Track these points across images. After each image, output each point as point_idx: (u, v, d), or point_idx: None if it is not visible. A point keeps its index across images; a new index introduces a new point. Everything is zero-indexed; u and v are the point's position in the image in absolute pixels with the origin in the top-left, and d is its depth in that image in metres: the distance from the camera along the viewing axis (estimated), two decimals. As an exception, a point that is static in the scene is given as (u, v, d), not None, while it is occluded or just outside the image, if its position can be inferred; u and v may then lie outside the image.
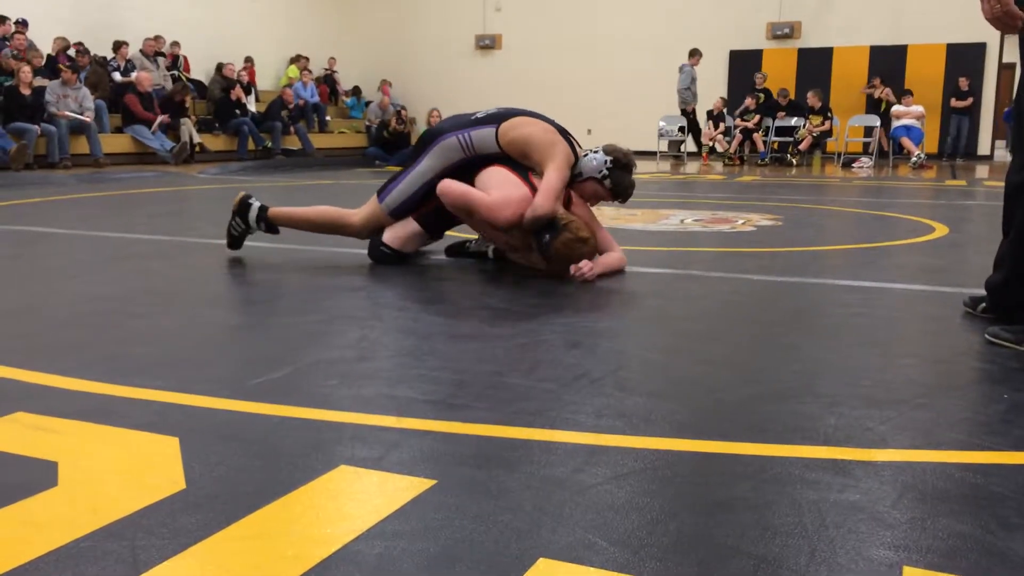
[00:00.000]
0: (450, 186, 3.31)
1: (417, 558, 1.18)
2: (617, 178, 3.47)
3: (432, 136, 3.56)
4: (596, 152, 3.51)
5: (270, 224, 3.71)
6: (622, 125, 16.04)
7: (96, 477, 1.45)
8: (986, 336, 2.40)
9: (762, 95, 14.13)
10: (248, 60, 15.11)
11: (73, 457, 1.53)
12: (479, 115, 3.54)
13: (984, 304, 2.67)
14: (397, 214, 3.57)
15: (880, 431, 1.70)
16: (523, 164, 3.44)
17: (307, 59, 15.74)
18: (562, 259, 3.23)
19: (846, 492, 1.41)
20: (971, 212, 6.55)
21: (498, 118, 3.48)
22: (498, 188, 3.30)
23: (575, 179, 3.48)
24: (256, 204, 3.72)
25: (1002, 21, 2.23)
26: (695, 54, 13.82)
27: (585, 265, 3.24)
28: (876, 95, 14.00)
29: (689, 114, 13.89)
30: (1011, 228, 2.49)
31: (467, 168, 3.48)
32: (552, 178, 3.29)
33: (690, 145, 14.57)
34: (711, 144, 13.92)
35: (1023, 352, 2.28)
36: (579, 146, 3.54)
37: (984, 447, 1.63)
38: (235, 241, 3.78)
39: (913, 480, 1.47)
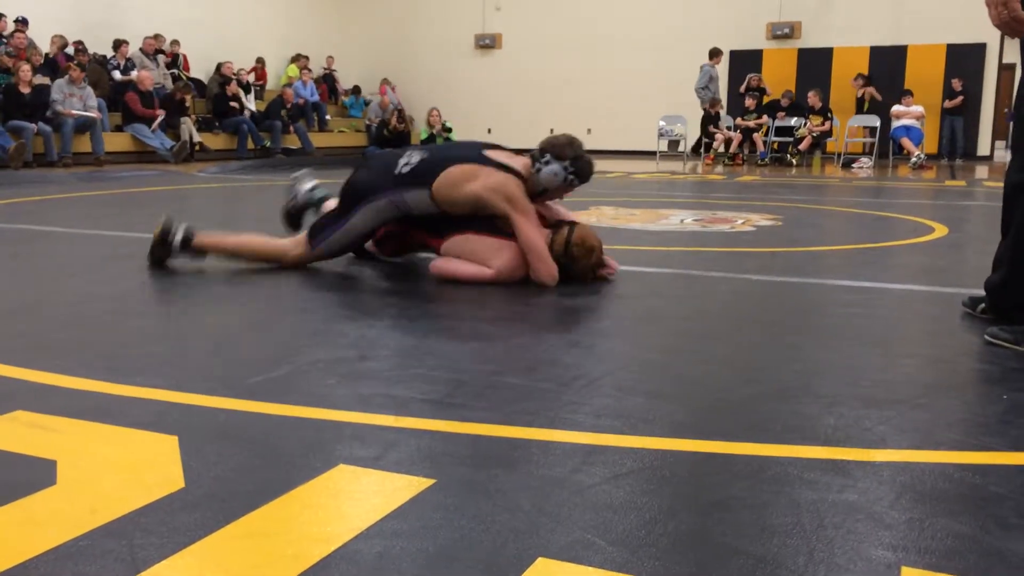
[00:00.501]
0: (447, 269, 3.22)
1: (416, 557, 1.19)
2: (580, 171, 3.27)
3: (360, 191, 3.30)
4: (547, 162, 3.23)
5: (196, 250, 3.43)
6: (622, 124, 16.08)
7: (95, 476, 1.45)
8: (985, 337, 2.40)
9: (758, 93, 14.11)
10: (259, 61, 15.13)
11: (72, 456, 1.53)
12: (404, 169, 3.23)
13: (983, 305, 2.67)
14: (334, 255, 3.48)
15: (879, 431, 1.70)
16: (480, 215, 3.23)
17: (307, 58, 15.75)
18: (588, 272, 3.24)
19: (845, 492, 1.41)
20: (971, 213, 6.55)
21: (426, 175, 3.19)
22: (484, 255, 3.18)
23: (538, 195, 3.27)
24: (178, 236, 3.39)
25: (1010, 26, 2.23)
26: (716, 54, 13.83)
27: (608, 263, 3.28)
28: (858, 94, 13.91)
29: (708, 113, 13.88)
30: (1010, 228, 2.50)
31: (405, 220, 3.37)
32: (532, 238, 3.13)
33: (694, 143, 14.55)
34: (724, 143, 13.83)
35: (1022, 353, 2.28)
36: (508, 156, 3.29)
37: (982, 447, 1.63)
38: (156, 262, 3.47)
39: (911, 480, 1.47)
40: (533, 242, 3.13)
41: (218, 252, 3.48)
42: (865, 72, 14.22)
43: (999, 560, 1.20)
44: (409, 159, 3.28)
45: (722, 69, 15.48)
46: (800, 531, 1.27)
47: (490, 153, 3.25)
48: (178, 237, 3.40)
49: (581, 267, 3.20)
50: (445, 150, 3.35)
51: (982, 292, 2.67)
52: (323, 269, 3.51)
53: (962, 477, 1.49)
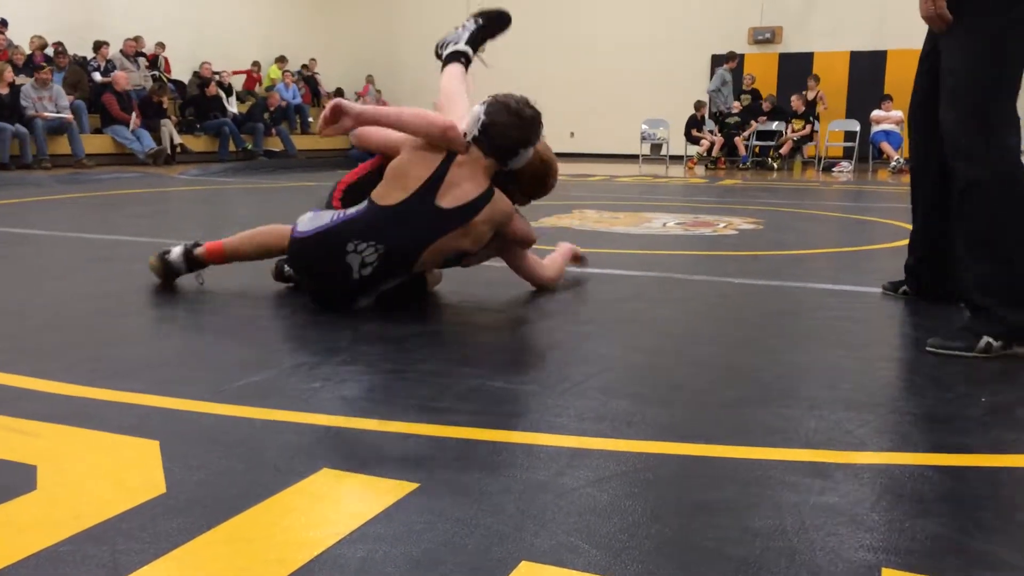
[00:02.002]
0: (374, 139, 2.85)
1: (399, 561, 1.18)
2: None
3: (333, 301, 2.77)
4: (488, 126, 2.70)
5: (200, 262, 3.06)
6: (604, 128, 16.12)
7: (76, 481, 1.44)
8: (928, 348, 2.37)
9: (749, 96, 14.18)
10: (255, 64, 15.05)
11: (53, 461, 1.52)
12: (364, 272, 2.64)
13: (905, 287, 3.01)
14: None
15: (859, 434, 1.71)
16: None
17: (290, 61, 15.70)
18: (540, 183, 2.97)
19: (826, 495, 1.42)
20: (950, 216, 6.59)
21: (401, 270, 2.69)
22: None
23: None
24: (176, 250, 3.07)
25: (935, 22, 2.42)
26: (731, 58, 13.88)
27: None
28: (810, 97, 13.91)
29: (693, 116, 13.95)
30: (916, 212, 2.90)
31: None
32: (520, 228, 2.88)
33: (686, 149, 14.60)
34: (710, 147, 13.85)
35: (971, 358, 2.30)
36: (459, 185, 2.67)
37: (962, 449, 1.65)
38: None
39: (892, 482, 1.48)
40: (523, 231, 2.90)
41: (232, 255, 3.04)
42: (847, 77, 14.31)
43: (979, 562, 1.21)
44: (363, 257, 2.61)
45: (702, 72, 15.58)
46: (782, 533, 1.28)
47: (445, 204, 2.63)
48: (175, 252, 3.07)
49: (535, 177, 2.92)
50: (398, 229, 2.62)
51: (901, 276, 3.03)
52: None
53: (942, 479, 1.50)
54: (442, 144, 2.68)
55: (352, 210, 2.68)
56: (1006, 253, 2.36)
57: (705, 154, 13.92)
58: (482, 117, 2.66)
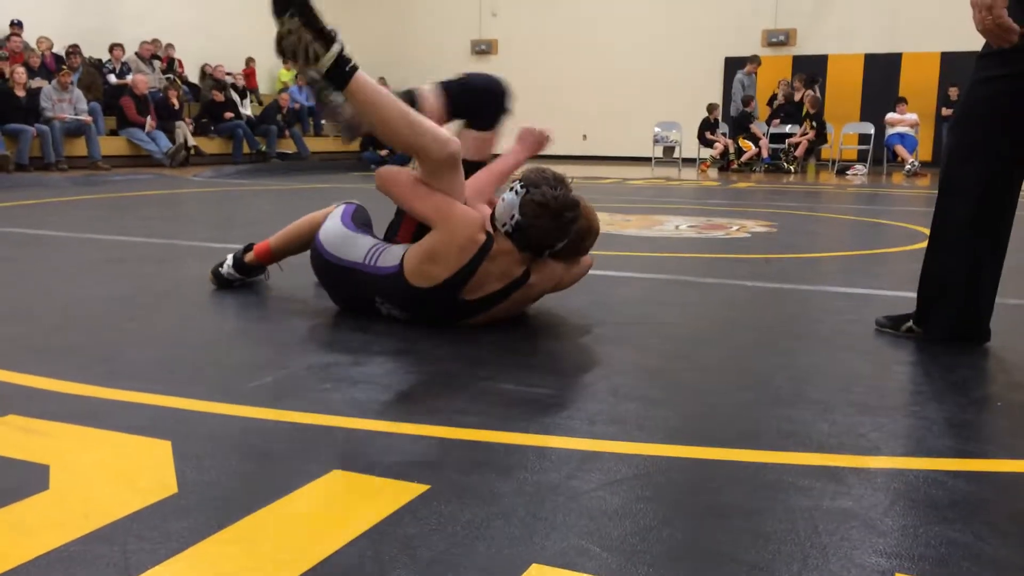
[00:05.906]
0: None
1: (409, 563, 1.18)
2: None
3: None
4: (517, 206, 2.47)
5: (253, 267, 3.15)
6: (617, 130, 16.09)
7: (87, 481, 1.45)
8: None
9: (751, 98, 14.10)
10: (250, 61, 15.10)
11: (65, 460, 1.53)
12: (384, 310, 2.64)
13: (910, 324, 2.53)
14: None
15: (872, 438, 1.70)
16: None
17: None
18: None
19: (839, 499, 1.41)
20: (964, 220, 6.54)
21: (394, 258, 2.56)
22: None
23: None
24: (227, 263, 3.16)
25: (994, 33, 2.08)
26: (750, 61, 13.84)
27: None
28: (796, 98, 13.74)
29: (707, 119, 13.92)
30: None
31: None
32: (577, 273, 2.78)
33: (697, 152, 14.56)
34: (724, 149, 13.75)
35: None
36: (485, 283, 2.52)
37: (976, 454, 1.63)
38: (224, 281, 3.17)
39: (905, 487, 1.47)
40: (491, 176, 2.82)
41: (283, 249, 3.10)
42: (861, 80, 14.23)
43: (992, 567, 1.20)
44: (390, 311, 2.64)
45: (715, 75, 15.52)
46: (794, 538, 1.27)
47: (470, 297, 2.52)
48: (227, 261, 3.16)
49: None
50: (423, 309, 2.57)
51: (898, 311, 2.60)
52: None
53: (955, 484, 1.49)
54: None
55: (383, 263, 2.56)
56: None
57: (719, 157, 13.87)
58: (517, 216, 2.44)
